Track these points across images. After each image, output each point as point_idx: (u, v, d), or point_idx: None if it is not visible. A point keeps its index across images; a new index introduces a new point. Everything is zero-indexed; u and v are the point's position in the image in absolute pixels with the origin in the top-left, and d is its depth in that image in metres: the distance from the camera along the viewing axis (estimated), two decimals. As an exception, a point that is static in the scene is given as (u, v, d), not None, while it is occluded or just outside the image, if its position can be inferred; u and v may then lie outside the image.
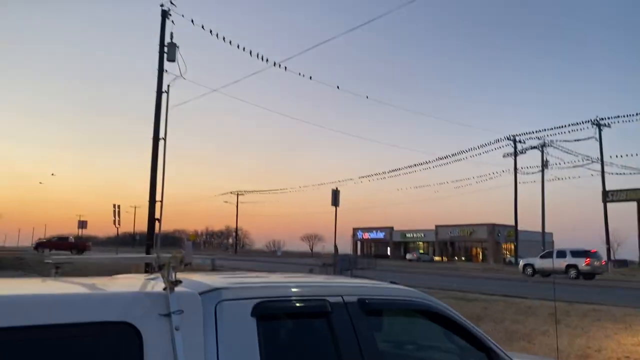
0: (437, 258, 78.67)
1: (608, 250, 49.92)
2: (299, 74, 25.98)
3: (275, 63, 23.33)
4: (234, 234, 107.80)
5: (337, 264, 21.24)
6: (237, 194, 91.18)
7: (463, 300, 13.06)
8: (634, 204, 59.47)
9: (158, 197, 18.25)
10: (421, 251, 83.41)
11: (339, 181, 57.03)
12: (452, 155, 55.26)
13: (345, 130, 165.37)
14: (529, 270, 33.58)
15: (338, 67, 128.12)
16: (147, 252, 17.71)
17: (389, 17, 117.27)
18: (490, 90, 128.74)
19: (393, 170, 60.71)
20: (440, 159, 55.87)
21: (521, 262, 35.04)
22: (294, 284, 2.19)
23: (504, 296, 14.77)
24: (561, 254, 32.35)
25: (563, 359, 6.62)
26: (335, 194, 21.99)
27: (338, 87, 32.25)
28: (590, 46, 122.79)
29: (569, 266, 31.06)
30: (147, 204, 18.85)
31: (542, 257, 34.32)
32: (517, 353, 3.65)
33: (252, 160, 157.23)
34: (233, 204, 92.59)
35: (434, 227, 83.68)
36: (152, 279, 2.12)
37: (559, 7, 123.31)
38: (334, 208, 22.24)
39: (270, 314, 1.89)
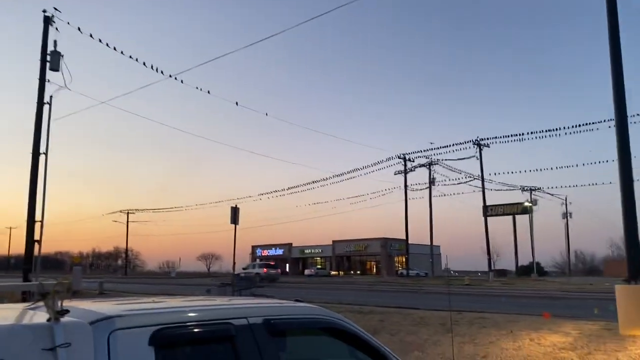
0: (334, 273, 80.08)
1: (489, 260, 53.88)
2: (197, 87, 25.35)
3: (170, 75, 22.64)
4: (123, 255, 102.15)
5: (236, 283, 20.86)
6: (128, 213, 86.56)
7: (360, 314, 13.34)
8: (511, 218, 64.94)
9: (38, 217, 16.83)
10: (319, 266, 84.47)
11: (237, 199, 56.38)
12: (348, 172, 57.04)
13: (244, 147, 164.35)
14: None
15: (238, 82, 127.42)
16: (25, 278, 16.21)
17: (290, 32, 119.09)
18: (385, 110, 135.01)
19: (292, 188, 61.25)
20: (337, 175, 57.47)
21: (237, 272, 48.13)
22: (194, 307, 2.07)
23: (398, 308, 15.30)
24: (254, 266, 51.42)
25: (454, 366, 6.96)
26: (235, 212, 21.65)
27: (237, 104, 31.81)
28: (473, 69, 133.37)
29: (257, 273, 44.37)
30: (25, 224, 17.27)
31: (244, 268, 50.66)
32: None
33: (144, 178, 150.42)
34: (123, 223, 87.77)
35: (331, 243, 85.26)
36: (33, 308, 1.90)
37: (449, 27, 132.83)
38: (232, 226, 21.86)
39: (169, 341, 1.76)
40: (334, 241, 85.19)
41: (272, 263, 55.16)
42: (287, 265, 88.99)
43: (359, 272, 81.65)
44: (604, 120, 40.15)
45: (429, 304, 16.69)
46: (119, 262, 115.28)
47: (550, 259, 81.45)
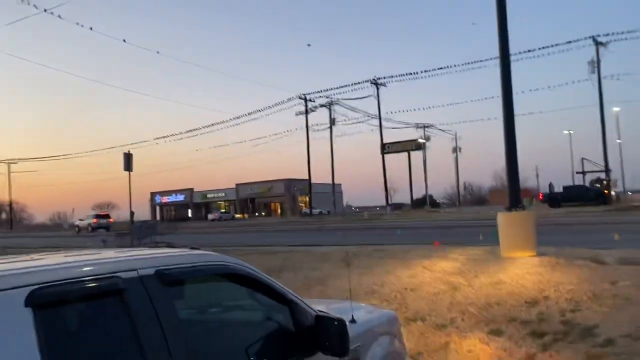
0: (238, 216, 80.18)
1: (386, 196, 56.60)
2: (77, 23, 23.19)
3: (45, 10, 20.45)
4: (7, 208, 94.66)
5: (135, 232, 20.14)
6: (9, 163, 79.69)
7: (265, 254, 13.54)
8: (406, 154, 68.03)
9: None
10: (223, 210, 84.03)
11: (132, 144, 53.65)
12: (249, 114, 56.19)
13: (137, 90, 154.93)
14: (76, 229, 54.25)
15: (126, 18, 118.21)
16: None
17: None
18: (284, 50, 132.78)
19: (190, 130, 59.31)
20: (237, 117, 56.38)
21: (74, 223, 54.99)
22: (78, 262, 1.93)
23: (302, 246, 15.70)
24: (88, 217, 55.28)
25: (353, 297, 7.32)
26: (128, 158, 20.60)
27: (125, 41, 29.58)
28: (366, 10, 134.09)
29: (89, 224, 52.13)
30: None
31: (80, 219, 55.89)
32: (315, 299, 3.87)
33: (29, 126, 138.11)
34: (4, 174, 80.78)
35: (234, 186, 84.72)
36: None
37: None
38: (127, 173, 20.86)
39: (49, 301, 1.62)
40: (237, 184, 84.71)
41: (103, 214, 59.06)
42: (189, 211, 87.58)
43: (263, 214, 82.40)
44: (491, 58, 42.50)
45: (331, 241, 17.29)
46: (3, 215, 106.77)
47: (443, 192, 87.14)
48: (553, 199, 41.33)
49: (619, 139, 57.23)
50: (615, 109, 53.81)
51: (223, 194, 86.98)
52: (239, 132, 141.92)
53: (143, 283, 1.88)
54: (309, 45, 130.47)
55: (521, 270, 8.29)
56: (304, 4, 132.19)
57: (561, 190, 43.73)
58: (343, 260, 10.97)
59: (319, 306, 2.81)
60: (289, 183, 78.84)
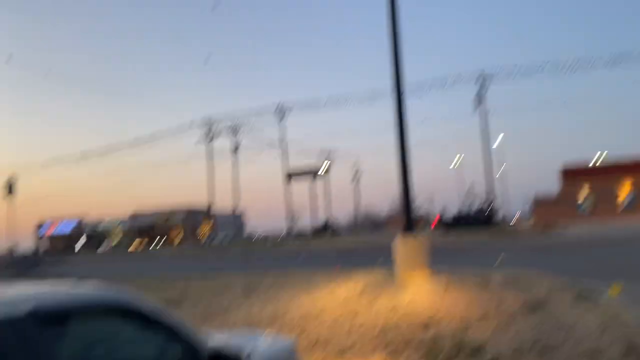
0: (134, 245, 76.21)
1: (289, 223, 56.80)
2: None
3: None
4: None
5: (15, 265, 18.45)
6: None
7: (163, 285, 12.96)
8: (309, 181, 68.91)
9: None
10: (117, 240, 79.49)
11: (16, 168, 49.36)
12: (149, 138, 54.22)
13: (24, 109, 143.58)
14: None
15: (11, 37, 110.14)
16: None
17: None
18: (190, 74, 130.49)
19: (86, 155, 56.01)
20: (137, 141, 54.13)
21: None
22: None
23: (202, 275, 15.25)
24: None
25: (255, 325, 7.20)
26: (10, 184, 18.97)
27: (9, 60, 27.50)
28: (271, 34, 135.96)
29: None
30: None
31: None
32: (216, 330, 3.76)
33: None
34: None
35: (130, 214, 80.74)
36: None
37: None
38: (8, 200, 19.15)
39: None
40: (133, 212, 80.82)
41: None
42: (80, 241, 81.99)
43: (162, 243, 79.07)
44: (388, 90, 44.70)
45: (233, 269, 16.97)
46: None
47: (343, 218, 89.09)
48: (447, 224, 43.82)
49: (501, 169, 62.22)
50: (498, 140, 58.59)
51: (118, 223, 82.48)
52: (138, 156, 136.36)
53: (16, 324, 1.68)
54: (206, 60, 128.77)
55: (416, 293, 8.66)
56: (211, 30, 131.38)
57: (454, 215, 46.53)
58: (245, 288, 10.80)
59: (218, 338, 2.72)
60: (190, 211, 76.55)
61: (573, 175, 51.29)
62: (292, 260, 23.28)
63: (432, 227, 47.29)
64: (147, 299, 2.38)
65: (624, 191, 48.82)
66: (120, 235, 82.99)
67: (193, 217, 76.80)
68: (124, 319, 2.23)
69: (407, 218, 10.77)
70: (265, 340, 3.45)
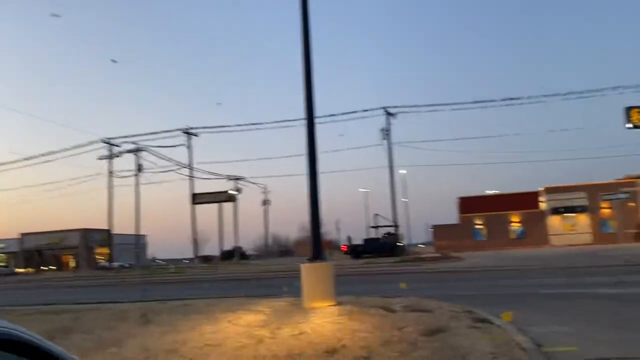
0: (21, 270, 70.09)
1: (194, 247, 55.08)
2: None
3: None
4: None
5: None
6: None
7: (50, 314, 11.93)
8: (217, 206, 67.63)
9: None
10: (2, 264, 72.71)
11: None
12: (42, 155, 50.64)
13: None
14: None
15: None
16: None
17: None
18: (92, 91, 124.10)
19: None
20: (27, 159, 50.35)
21: None
22: None
23: (97, 303, 14.25)
24: None
25: (151, 357, 6.79)
26: None
27: None
28: (180, 59, 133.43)
29: None
30: None
31: None
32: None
33: None
34: None
35: (18, 236, 74.38)
36: None
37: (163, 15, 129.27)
38: None
39: None
40: (22, 234, 74.55)
41: None
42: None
43: (54, 267, 73.32)
44: (299, 119, 45.34)
45: (131, 296, 16.04)
46: None
47: (252, 243, 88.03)
48: (355, 251, 44.61)
49: (404, 198, 64.85)
50: (402, 171, 61.13)
51: (3, 245, 75.59)
52: (29, 175, 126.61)
53: None
54: (114, 61, 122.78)
55: (322, 319, 8.62)
56: (114, 49, 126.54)
57: (362, 242, 47.52)
58: (143, 317, 10.21)
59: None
60: (86, 233, 71.96)
61: (469, 205, 54.52)
62: (196, 286, 22.48)
63: (343, 250, 47.96)
64: (29, 330, 2.12)
65: (515, 221, 52.60)
66: (6, 257, 76.06)
67: (89, 240, 72.21)
68: (4, 350, 1.97)
69: (315, 244, 10.78)
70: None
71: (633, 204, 47.94)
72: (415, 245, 70.28)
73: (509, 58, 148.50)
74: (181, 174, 55.53)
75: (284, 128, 50.02)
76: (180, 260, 76.34)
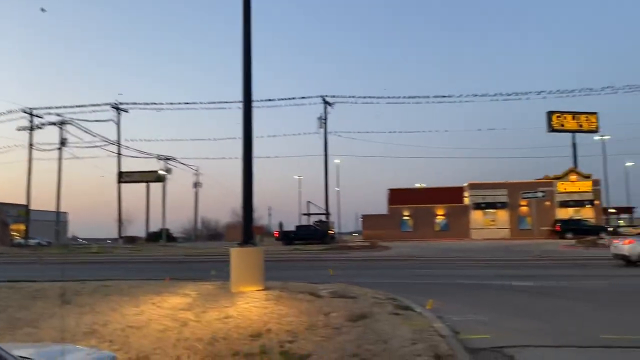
0: None
1: (119, 227, 53.22)
2: None
3: None
4: None
5: None
6: None
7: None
8: (145, 185, 65.64)
9: None
10: None
11: None
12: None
13: None
14: None
15: None
16: None
17: None
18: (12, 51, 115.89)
19: None
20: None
21: None
22: None
23: (9, 282, 13.49)
24: None
25: (69, 339, 6.54)
26: None
27: None
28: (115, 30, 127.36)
29: None
30: None
31: None
32: (21, 343, 3.31)
33: None
34: None
35: None
36: None
37: None
38: None
39: None
40: None
41: None
42: None
43: (-39, 242, 68.45)
44: (235, 101, 44.70)
45: (48, 275, 15.31)
46: None
47: (180, 226, 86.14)
48: (287, 237, 44.74)
49: (337, 187, 65.69)
50: (337, 160, 61.83)
51: None
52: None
53: None
54: (43, 10, 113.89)
55: (249, 304, 8.62)
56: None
57: (294, 229, 47.73)
58: (61, 297, 9.79)
59: (25, 351, 2.39)
60: (0, 207, 67.57)
61: (398, 197, 56.05)
62: (120, 267, 21.78)
63: (275, 236, 47.99)
64: None
65: (440, 214, 54.65)
66: None
67: (4, 214, 67.96)
68: None
69: (246, 229, 10.73)
70: (79, 355, 3.13)
71: (549, 203, 51.11)
72: (346, 233, 71.53)
73: (446, 57, 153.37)
74: (108, 150, 53.29)
75: (219, 110, 48.95)
76: (104, 240, 73.57)
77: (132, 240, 64.55)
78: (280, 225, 52.32)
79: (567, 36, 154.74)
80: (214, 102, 46.52)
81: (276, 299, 9.00)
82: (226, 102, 45.35)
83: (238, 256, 10.26)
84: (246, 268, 10.20)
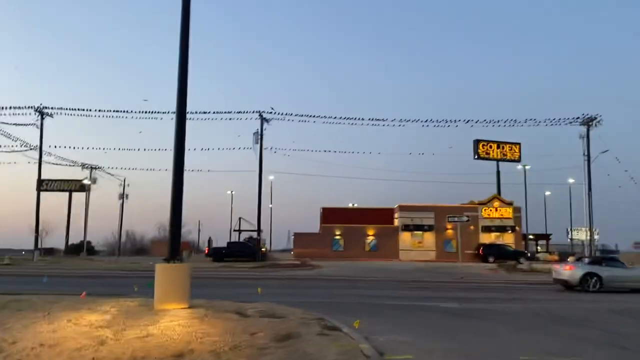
0: None
1: (36, 238, 50.07)
2: None
3: None
4: None
5: None
6: None
7: None
8: (67, 194, 62.42)
9: None
10: None
11: None
12: None
13: None
14: None
15: None
16: None
17: None
18: None
19: None
20: None
21: None
22: None
23: None
24: None
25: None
26: None
27: None
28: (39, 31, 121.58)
29: None
30: None
31: None
32: None
33: None
34: None
35: None
36: None
37: None
38: None
39: None
40: None
41: None
42: None
43: None
44: (168, 112, 43.61)
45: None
46: None
47: (103, 239, 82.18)
48: (217, 254, 43.73)
49: (271, 204, 65.39)
50: (271, 177, 61.65)
51: None
52: None
53: None
54: None
55: (172, 322, 8.34)
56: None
57: (225, 245, 46.80)
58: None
59: None
60: None
61: (331, 216, 56.51)
62: (34, 281, 20.47)
63: (206, 253, 46.81)
64: None
65: (371, 234, 55.56)
66: None
67: None
68: None
69: (173, 244, 10.42)
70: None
71: (473, 227, 53.28)
72: (278, 251, 71.03)
73: (382, 82, 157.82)
74: (29, 156, 50.28)
75: (150, 119, 47.32)
76: (18, 251, 68.92)
77: (50, 252, 60.97)
78: (209, 241, 51.29)
79: (496, 67, 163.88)
80: (144, 112, 44.88)
81: (201, 318, 8.76)
82: (158, 112, 43.81)
83: (163, 272, 9.93)
84: (171, 285, 9.89)
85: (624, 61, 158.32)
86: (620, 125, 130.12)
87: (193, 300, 10.27)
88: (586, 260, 22.10)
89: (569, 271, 20.22)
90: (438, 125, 47.49)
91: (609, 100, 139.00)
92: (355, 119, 47.41)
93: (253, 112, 45.34)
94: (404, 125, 47.73)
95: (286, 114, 46.06)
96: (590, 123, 38.03)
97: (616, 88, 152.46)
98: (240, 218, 57.08)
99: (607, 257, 25.57)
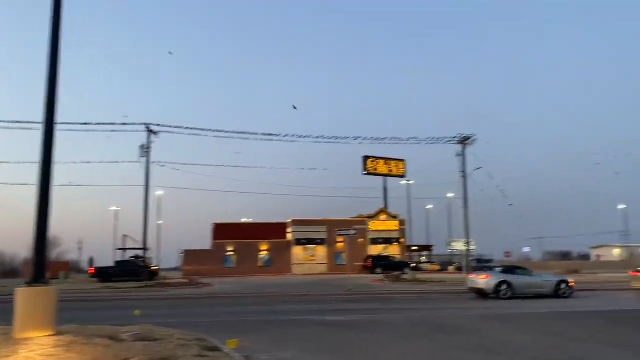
0: None
1: None
2: None
3: None
4: None
5: None
6: None
7: None
8: None
9: None
10: None
11: None
12: None
13: None
14: None
15: None
16: None
17: None
18: None
19: None
20: None
21: None
22: None
23: None
24: None
25: None
26: None
27: None
28: None
29: None
30: None
31: None
32: None
33: None
34: None
35: None
36: None
37: None
38: None
39: None
40: None
41: None
42: None
43: None
44: (38, 122, 40.39)
45: None
46: None
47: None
48: (104, 274, 40.80)
49: (159, 220, 62.70)
50: (159, 192, 59.12)
51: None
52: None
53: None
54: None
55: (33, 352, 7.58)
56: None
57: (113, 264, 43.91)
58: None
59: None
60: None
61: (223, 232, 55.46)
62: None
63: (91, 273, 43.50)
64: None
65: (264, 249, 55.27)
66: None
67: None
68: None
69: (37, 265, 9.52)
70: None
71: (362, 240, 54.99)
72: (169, 269, 68.09)
73: (280, 96, 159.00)
74: None
75: (23, 130, 43.18)
76: None
77: None
78: (91, 260, 48.03)
79: (386, 86, 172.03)
80: (12, 122, 41.09)
81: (67, 345, 8.05)
82: (28, 122, 40.24)
83: (24, 296, 9.03)
84: (34, 310, 9.01)
85: (499, 86, 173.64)
86: (494, 145, 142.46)
87: (62, 326, 9.46)
88: (498, 269, 22.52)
89: (484, 280, 20.78)
90: (329, 142, 48.58)
91: (484, 120, 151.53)
92: (247, 133, 47.11)
93: (139, 124, 43.36)
94: (294, 142, 48.23)
95: (176, 127, 44.63)
96: (466, 142, 40.88)
97: (490, 109, 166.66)
98: (125, 235, 54.11)
99: (517, 265, 26.25)
